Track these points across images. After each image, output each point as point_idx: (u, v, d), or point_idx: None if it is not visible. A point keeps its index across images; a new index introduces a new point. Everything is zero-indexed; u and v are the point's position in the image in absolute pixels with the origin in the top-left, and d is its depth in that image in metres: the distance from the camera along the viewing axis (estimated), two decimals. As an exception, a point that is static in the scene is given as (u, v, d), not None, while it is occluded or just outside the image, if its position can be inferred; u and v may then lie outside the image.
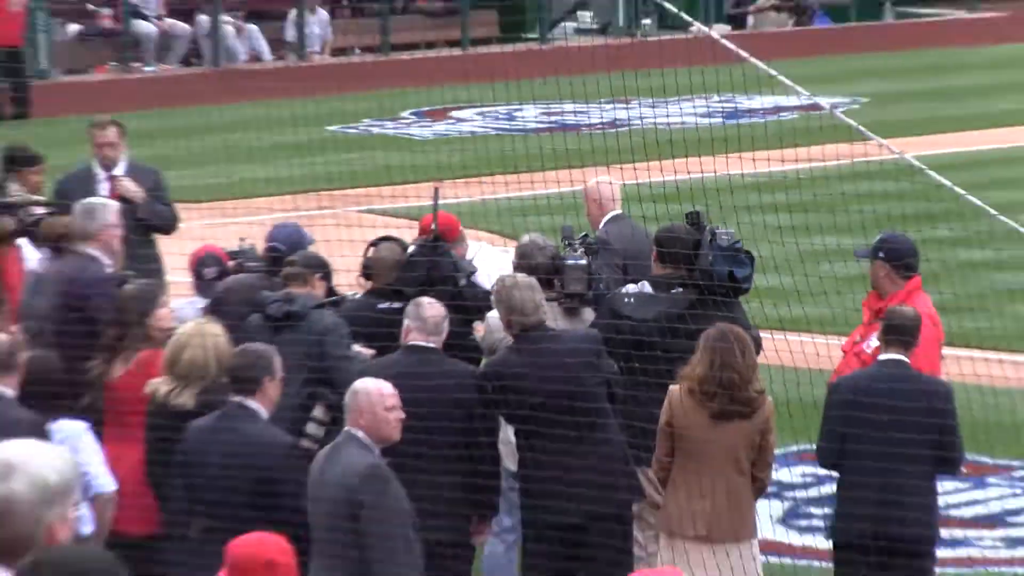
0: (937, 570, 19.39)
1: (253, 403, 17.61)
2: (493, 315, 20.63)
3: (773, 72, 26.63)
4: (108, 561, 9.55)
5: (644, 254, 22.55)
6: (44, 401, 17.94)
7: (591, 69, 38.98)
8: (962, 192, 21.44)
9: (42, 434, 15.59)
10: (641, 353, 19.33)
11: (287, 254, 21.79)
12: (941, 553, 19.64)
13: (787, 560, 20.80)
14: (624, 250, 21.72)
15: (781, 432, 20.54)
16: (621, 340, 19.73)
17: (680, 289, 20.77)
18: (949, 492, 19.79)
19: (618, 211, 23.70)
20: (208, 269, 22.22)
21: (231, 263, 22.36)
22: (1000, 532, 22.20)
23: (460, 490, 18.72)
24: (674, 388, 18.56)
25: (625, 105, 38.78)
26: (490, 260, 22.84)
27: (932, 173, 21.51)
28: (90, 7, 49.11)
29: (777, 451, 20.51)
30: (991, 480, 22.25)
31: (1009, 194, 23.05)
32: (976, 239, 22.68)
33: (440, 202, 24.18)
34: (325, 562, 14.78)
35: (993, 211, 20.50)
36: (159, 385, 18.36)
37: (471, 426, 19.07)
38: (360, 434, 17.19)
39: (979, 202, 21.48)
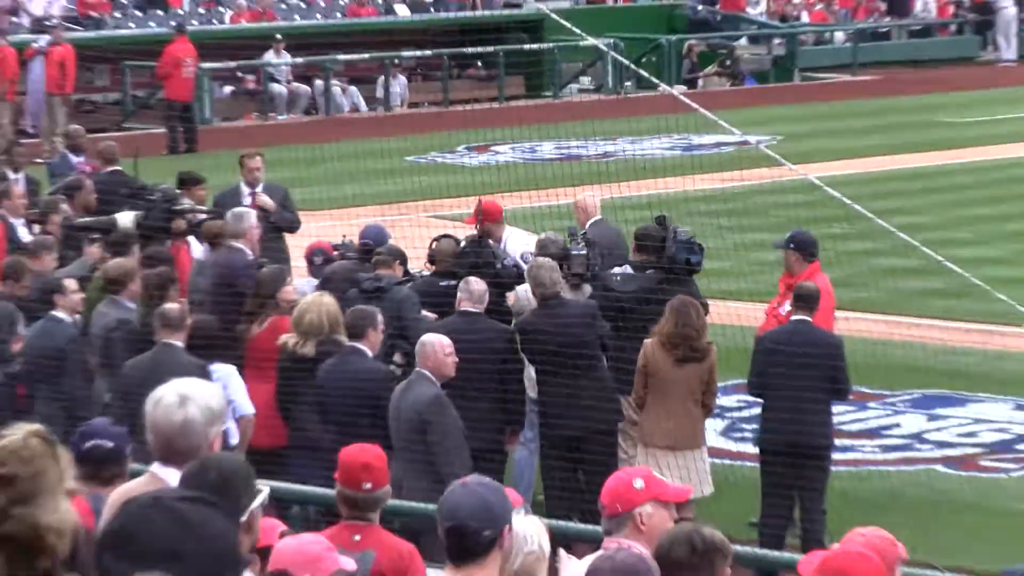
0: (832, 468, 19.30)
1: (362, 346, 17.87)
2: (520, 289, 20.85)
3: (715, 118, 26.53)
4: (245, 466, 9.52)
5: (618, 247, 22.84)
6: (205, 351, 17.95)
7: (589, 117, 39.25)
8: (848, 202, 21.47)
9: (204, 374, 15.71)
10: (625, 316, 19.38)
11: (375, 247, 21.75)
12: (835, 456, 19.59)
13: (727, 461, 20.77)
14: (602, 245, 21.78)
15: (723, 371, 20.39)
16: (611, 307, 19.85)
17: (652, 271, 20.80)
18: (840, 413, 19.75)
19: (598, 216, 23.59)
20: (318, 258, 22.19)
21: (335, 253, 22.29)
22: (877, 442, 22.24)
23: (496, 412, 18.88)
24: (648, 341, 18.78)
25: (612, 142, 39.15)
26: (518, 240, 23.14)
27: (827, 188, 21.62)
28: (239, 74, 48.82)
29: (719, 384, 20.41)
30: (870, 404, 22.26)
31: (882, 203, 22.88)
32: (858, 235, 22.63)
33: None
34: (404, 463, 14.66)
35: (870, 215, 20.30)
36: (288, 339, 18.44)
37: (504, 367, 19.21)
38: (427, 373, 17.32)
39: (860, 208, 21.38)
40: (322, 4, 52.10)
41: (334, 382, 18.03)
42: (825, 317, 19.69)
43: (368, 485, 11.62)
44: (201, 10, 50.31)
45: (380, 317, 18.47)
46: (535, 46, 51.09)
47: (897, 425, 23.07)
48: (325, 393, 18.05)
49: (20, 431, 7.40)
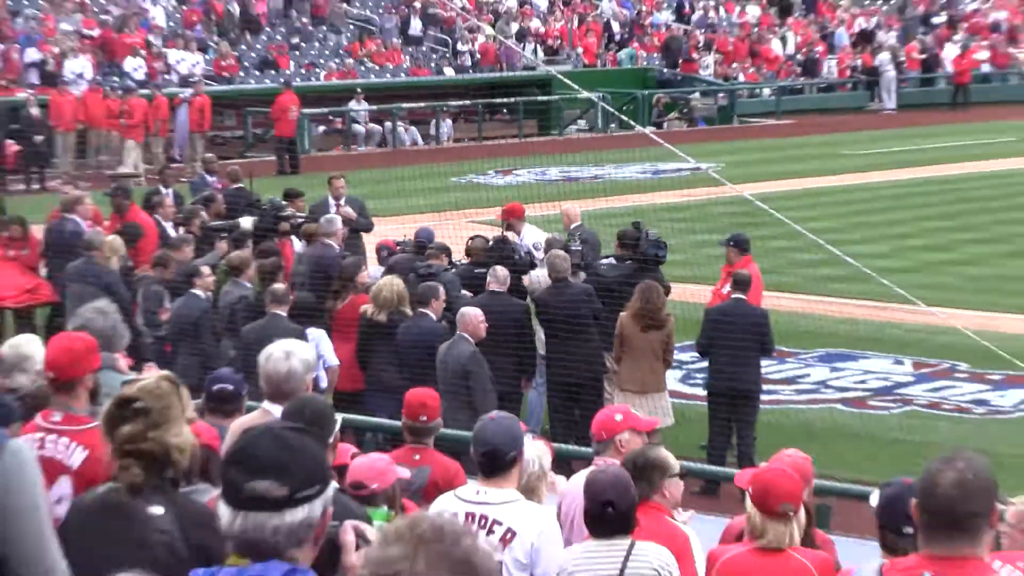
0: (760, 407, 19.25)
1: (428, 311, 18.09)
2: (532, 273, 21.01)
3: (676, 151, 26.49)
4: (330, 405, 9.70)
5: (593, 247, 23.01)
6: (303, 319, 18.09)
7: (583, 149, 39.24)
8: (772, 211, 21.33)
9: (302, 336, 15.75)
10: (610, 295, 19.35)
11: (427, 243, 21.78)
12: (763, 398, 19.49)
13: (684, 401, 20.72)
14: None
15: (680, 335, 20.34)
16: (600, 289, 19.78)
17: (630, 262, 20.84)
18: (766, 366, 19.67)
19: (578, 223, 23.83)
20: (384, 252, 22.43)
21: (397, 248, 22.35)
22: (793, 387, 22.30)
23: (514, 364, 18.91)
24: (623, 314, 18.89)
25: (600, 168, 38.91)
26: (531, 235, 23.28)
27: (757, 202, 21.45)
28: (330, 117, 48.72)
29: (677, 344, 20.35)
30: (788, 360, 22.35)
31: (797, 213, 22.81)
32: (782, 235, 22.43)
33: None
34: (448, 401, 14.58)
35: (788, 221, 20.18)
36: (367, 309, 18.63)
37: (521, 332, 19.25)
38: (466, 335, 17.38)
39: (781, 216, 21.18)
40: (391, 66, 51.93)
41: (409, 338, 18.16)
42: (755, 296, 19.66)
43: (424, 418, 11.65)
44: (303, 70, 50.18)
45: (442, 290, 18.65)
46: (545, 98, 50.98)
47: (808, 375, 23.14)
48: (400, 345, 18.22)
49: (154, 376, 7.48)
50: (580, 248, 22.07)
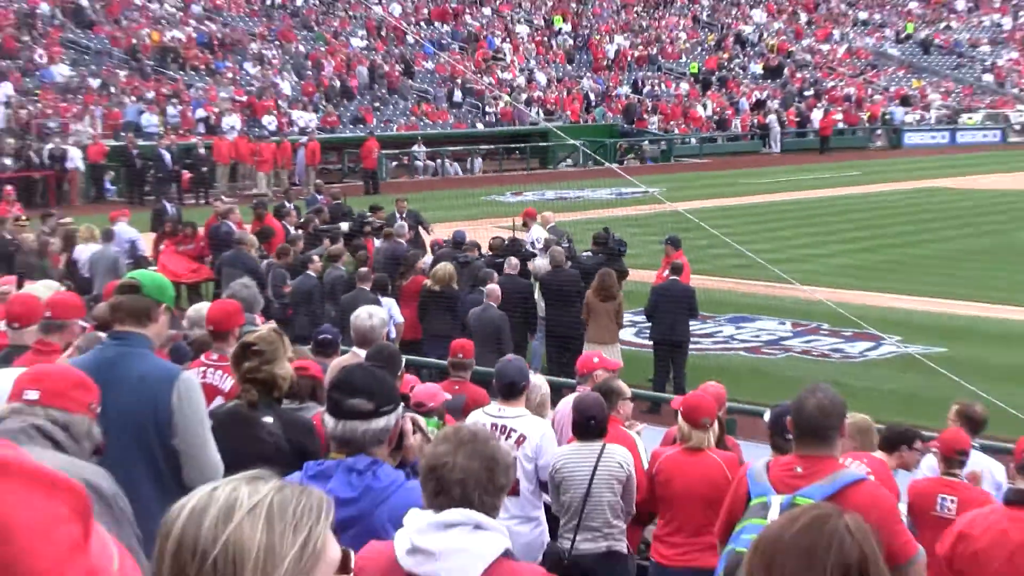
0: (689, 353, 19.23)
1: (485, 289, 17.76)
2: (537, 261, 20.86)
3: (632, 180, 26.43)
4: (398, 350, 9.54)
5: (566, 238, 23.01)
6: (380, 292, 17.92)
7: (570, 179, 38.71)
8: (698, 221, 21.13)
9: (378, 302, 15.52)
10: (587, 277, 19.23)
11: (463, 241, 21.73)
12: (690, 347, 19.39)
13: (637, 348, 20.62)
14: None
15: (633, 303, 20.31)
16: (581, 273, 19.68)
17: (601, 255, 20.75)
18: (693, 326, 19.51)
19: (552, 223, 24.12)
20: (435, 247, 22.77)
21: (443, 244, 22.62)
22: (710, 340, 22.15)
23: (523, 322, 18.67)
24: (588, 291, 18.70)
25: (581, 191, 38.59)
26: (535, 232, 23.14)
27: (687, 215, 21.29)
28: (399, 156, 48.56)
29: (631, 310, 20.34)
30: (707, 321, 22.17)
31: (715, 222, 22.79)
32: (703, 237, 22.28)
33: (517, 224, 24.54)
34: (480, 347, 14.50)
35: (707, 227, 19.99)
36: (427, 283, 18.42)
37: (527, 301, 19.11)
38: (492, 303, 17.22)
39: (703, 224, 21.00)
40: (440, 122, 51.85)
41: (468, 305, 17.92)
42: (685, 277, 19.38)
43: (461, 356, 11.53)
44: (382, 124, 50.12)
45: (496, 275, 18.56)
46: (544, 144, 51.13)
47: (720, 331, 23.01)
48: (464, 310, 17.98)
49: (266, 327, 7.50)
50: (569, 244, 22.08)
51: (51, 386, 4.44)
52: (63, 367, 4.54)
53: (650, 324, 19.62)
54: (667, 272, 19.75)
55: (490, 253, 21.49)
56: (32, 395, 4.38)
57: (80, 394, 4.53)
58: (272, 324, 8.09)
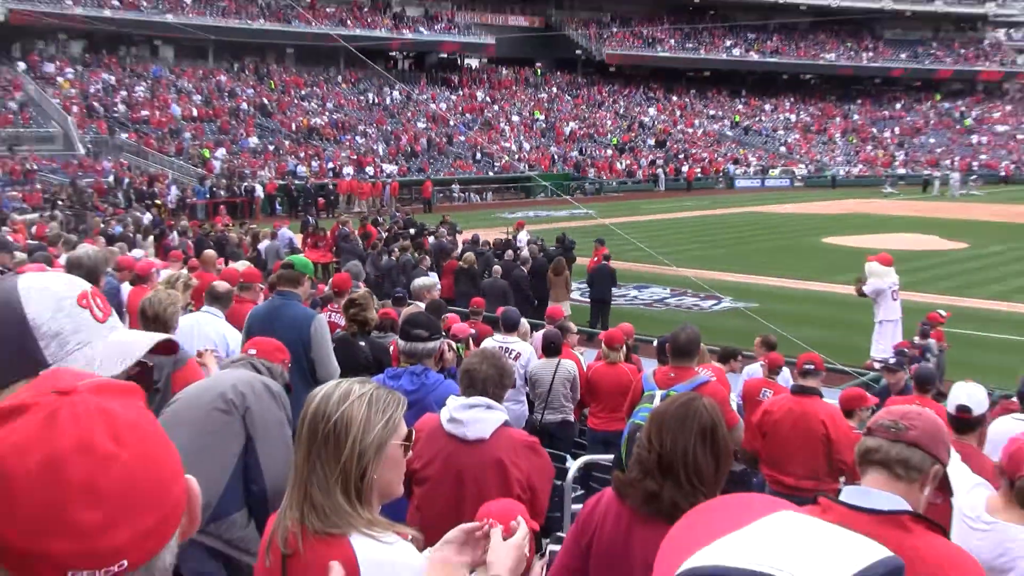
0: (612, 307, 18.91)
1: (493, 270, 17.33)
2: (522, 254, 20.04)
3: (579, 205, 26.29)
4: (442, 303, 9.27)
5: (535, 241, 22.03)
6: (429, 269, 17.64)
7: (544, 205, 37.70)
8: (616, 230, 20.83)
9: (428, 276, 15.13)
10: (552, 263, 18.96)
11: (479, 240, 21.46)
12: (613, 304, 19.09)
13: (580, 303, 19.99)
14: (534, 240, 21.74)
15: (577, 278, 20.17)
16: (547, 260, 19.43)
17: (560, 249, 20.52)
18: (615, 291, 19.16)
19: (524, 229, 23.75)
20: (465, 243, 21.99)
21: (467, 241, 22.10)
22: (625, 299, 21.53)
23: (514, 289, 18.17)
24: (549, 270, 18.13)
25: (548, 212, 37.89)
26: (523, 236, 22.60)
27: (616, 229, 20.91)
28: (445, 190, 48.13)
29: (575, 281, 20.16)
30: (623, 287, 21.36)
31: (626, 229, 22.66)
32: (617, 237, 22.03)
33: (516, 229, 23.95)
34: (491, 305, 14.35)
35: (621, 233, 19.80)
36: (459, 264, 17.92)
37: (516, 275, 18.49)
38: (498, 277, 16.92)
39: (619, 231, 20.72)
40: (468, 171, 51.24)
41: (481, 279, 17.52)
42: (599, 260, 19.11)
43: (476, 307, 11.33)
44: (436, 172, 49.67)
45: (496, 262, 18.17)
46: (528, 184, 50.29)
47: (629, 294, 22.47)
48: (478, 282, 17.53)
49: (363, 289, 7.47)
50: (540, 244, 21.57)
51: (263, 348, 4.47)
52: (272, 342, 4.58)
53: (589, 289, 19.19)
54: (598, 259, 19.19)
55: (494, 248, 21.28)
56: (252, 351, 4.44)
57: (279, 354, 4.48)
58: (367, 289, 8.07)
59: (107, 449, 0.91)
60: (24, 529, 0.87)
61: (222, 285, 7.00)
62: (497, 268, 17.68)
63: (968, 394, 4.80)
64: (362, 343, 6.76)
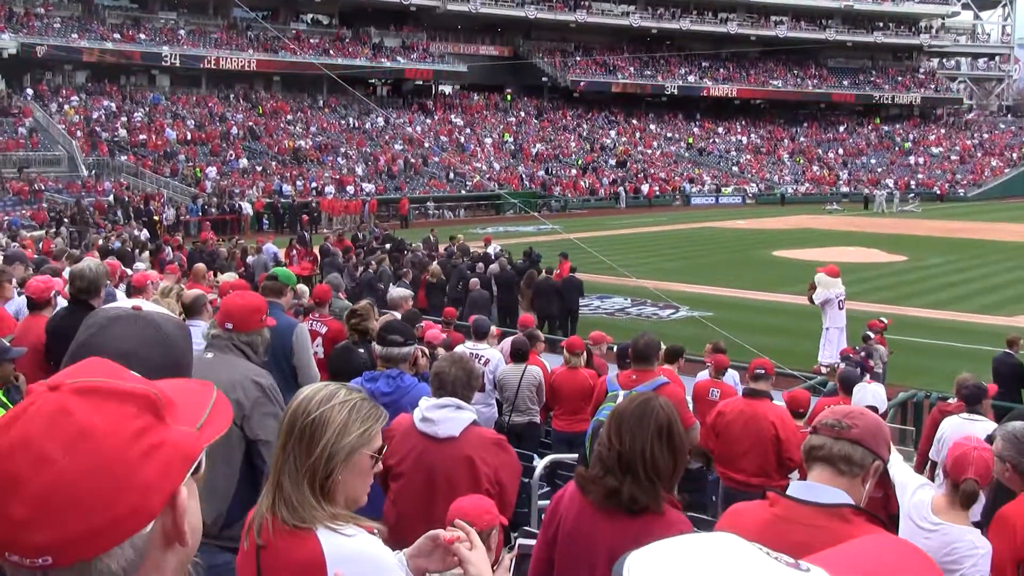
0: (580, 316, 18.68)
1: (470, 283, 17.26)
2: (492, 266, 19.84)
3: (546, 221, 26.34)
4: (418, 313, 9.10)
5: (503, 254, 21.71)
6: (403, 281, 17.40)
7: (514, 222, 37.36)
8: (580, 244, 20.70)
9: (404, 288, 15.00)
10: (520, 275, 18.92)
11: (452, 253, 21.33)
12: (580, 313, 18.95)
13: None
14: (502, 253, 21.64)
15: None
16: (515, 272, 19.37)
17: (527, 262, 20.50)
18: (582, 301, 19.02)
19: (492, 242, 23.56)
20: (444, 253, 21.85)
21: (442, 254, 22.01)
22: (589, 309, 21.47)
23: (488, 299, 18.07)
24: (521, 282, 18.07)
25: (518, 227, 37.78)
26: (492, 249, 21.92)
27: (575, 241, 20.87)
28: (420, 207, 47.90)
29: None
30: (589, 298, 20.95)
31: (590, 244, 22.64)
32: (580, 251, 21.96)
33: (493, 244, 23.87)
34: (471, 311, 14.34)
35: (586, 247, 19.79)
36: (428, 277, 17.82)
37: (490, 287, 18.41)
38: (478, 287, 16.81)
39: (583, 245, 20.69)
40: (442, 190, 50.89)
41: (453, 290, 17.46)
42: (568, 269, 19.13)
43: (447, 317, 11.29)
44: (414, 191, 49.44)
45: (469, 274, 17.99)
46: (499, 201, 50.19)
47: (594, 303, 22.47)
48: (449, 292, 17.51)
49: (365, 301, 7.39)
50: (508, 257, 21.34)
51: (238, 318, 4.09)
52: (241, 300, 4.22)
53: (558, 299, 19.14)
54: (562, 272, 18.84)
55: (468, 260, 21.13)
56: (228, 326, 4.10)
57: (254, 316, 4.13)
58: (369, 300, 7.94)
59: (45, 451, 0.89)
60: None
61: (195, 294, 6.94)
62: (475, 282, 17.57)
63: (873, 394, 4.90)
64: (361, 350, 6.73)
